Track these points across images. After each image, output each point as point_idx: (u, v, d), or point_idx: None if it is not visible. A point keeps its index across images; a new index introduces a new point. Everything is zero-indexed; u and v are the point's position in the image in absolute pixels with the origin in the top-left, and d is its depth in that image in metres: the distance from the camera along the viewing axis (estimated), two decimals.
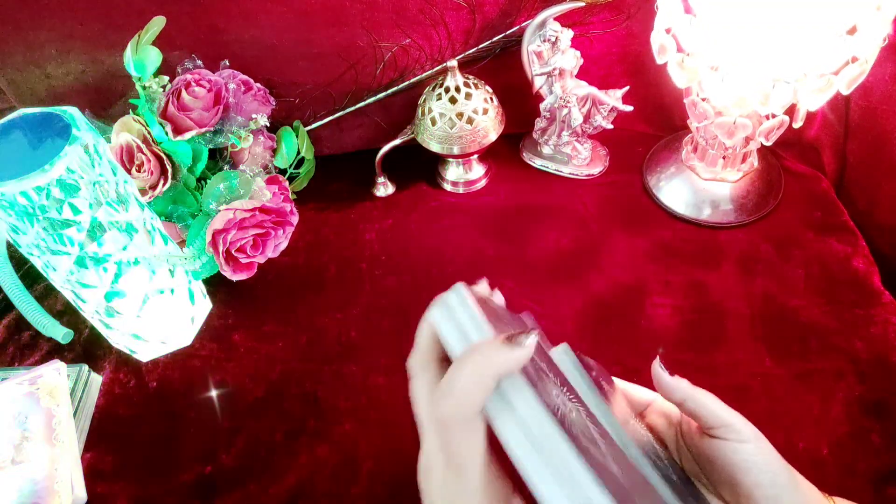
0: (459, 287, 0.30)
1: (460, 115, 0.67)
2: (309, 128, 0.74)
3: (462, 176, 0.75)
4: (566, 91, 0.69)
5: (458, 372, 0.27)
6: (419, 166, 0.77)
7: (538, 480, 0.26)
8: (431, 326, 0.30)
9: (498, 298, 0.37)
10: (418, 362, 0.30)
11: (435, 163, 0.77)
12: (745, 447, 0.36)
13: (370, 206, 0.75)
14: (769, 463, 0.36)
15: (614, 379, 0.44)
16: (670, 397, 0.39)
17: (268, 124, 0.66)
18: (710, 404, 0.37)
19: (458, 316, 0.29)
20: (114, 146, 0.60)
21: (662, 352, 0.38)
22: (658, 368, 0.38)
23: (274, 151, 0.69)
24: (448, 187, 0.76)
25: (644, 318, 0.61)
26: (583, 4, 0.65)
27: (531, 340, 0.27)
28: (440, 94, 0.67)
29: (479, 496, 0.27)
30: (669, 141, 0.75)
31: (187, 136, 0.60)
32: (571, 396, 0.31)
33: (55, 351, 0.63)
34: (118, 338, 0.59)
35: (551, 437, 0.26)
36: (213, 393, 0.59)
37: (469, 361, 0.27)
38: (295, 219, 0.63)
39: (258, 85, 0.67)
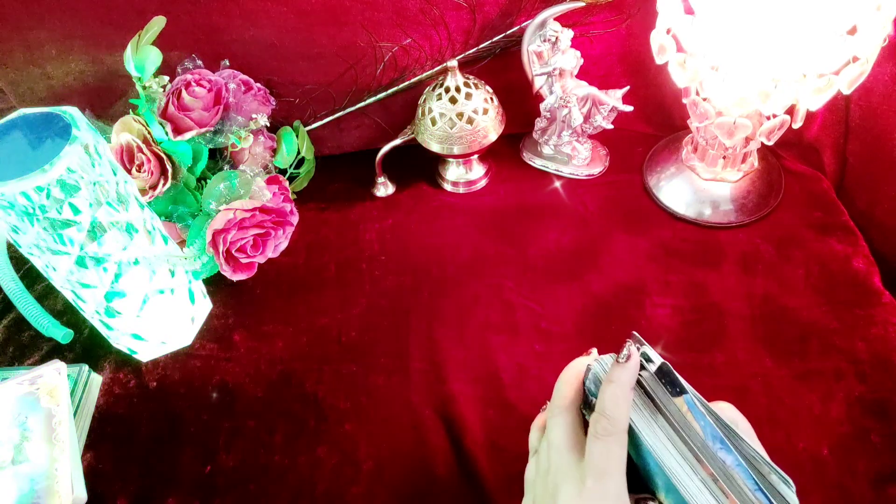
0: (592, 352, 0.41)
1: (460, 115, 0.67)
2: (309, 128, 0.74)
3: (462, 176, 0.75)
4: (566, 91, 0.69)
5: (601, 396, 0.35)
6: (419, 166, 0.77)
7: (684, 478, 0.33)
8: (574, 379, 0.39)
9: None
10: (562, 406, 0.38)
11: (435, 163, 0.77)
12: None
13: (370, 206, 0.75)
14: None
15: None
16: None
17: (268, 124, 0.66)
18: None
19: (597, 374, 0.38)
20: (114, 146, 0.60)
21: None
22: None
23: (274, 151, 0.69)
24: (448, 187, 0.76)
25: (644, 318, 0.61)
26: (583, 4, 0.65)
27: (634, 353, 0.36)
28: (440, 94, 0.67)
29: (623, 498, 0.33)
30: (669, 141, 0.75)
31: (187, 136, 0.60)
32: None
33: (55, 351, 0.63)
34: (118, 338, 0.59)
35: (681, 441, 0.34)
36: (213, 393, 0.59)
37: (605, 386, 0.35)
38: (295, 219, 0.63)
39: (258, 85, 0.67)
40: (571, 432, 0.37)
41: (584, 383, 0.39)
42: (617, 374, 0.35)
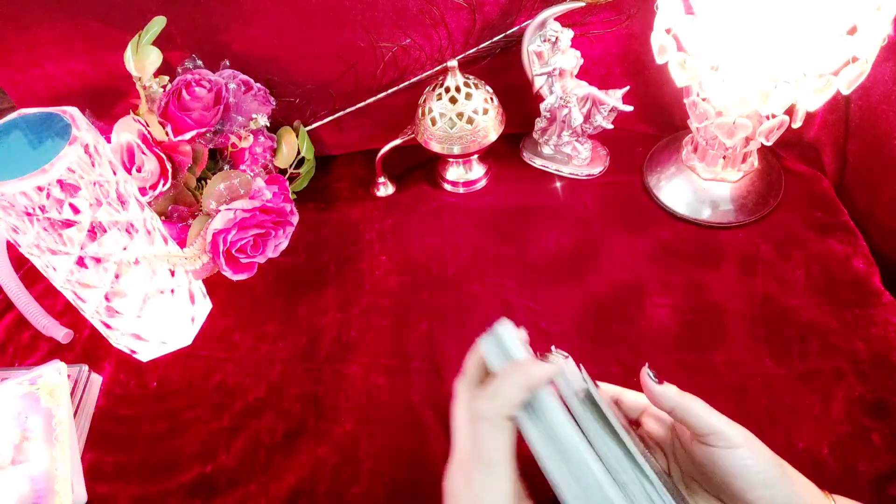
0: (505, 321, 0.37)
1: (460, 115, 0.67)
2: (309, 128, 0.74)
3: (462, 176, 0.75)
4: (566, 91, 0.69)
5: (502, 379, 0.33)
6: (419, 166, 0.77)
7: (559, 479, 0.32)
8: (480, 353, 0.36)
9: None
10: (465, 383, 0.36)
11: (435, 163, 0.77)
12: (735, 453, 0.36)
13: (370, 206, 0.75)
14: (760, 465, 0.36)
15: (607, 385, 0.45)
16: (660, 406, 0.39)
17: (268, 124, 0.66)
18: (698, 412, 0.37)
19: (503, 342, 0.36)
20: (114, 146, 0.60)
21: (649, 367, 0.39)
22: (646, 377, 0.39)
23: (274, 151, 0.69)
24: (448, 187, 0.76)
25: (644, 318, 0.61)
26: (583, 4, 0.65)
27: (559, 359, 0.34)
28: (440, 94, 0.67)
29: (503, 487, 0.32)
30: (669, 141, 0.75)
31: (187, 136, 0.60)
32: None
33: (55, 351, 0.63)
34: (118, 338, 0.59)
35: (574, 444, 0.33)
36: (213, 393, 0.59)
37: (511, 371, 0.33)
38: (295, 219, 0.63)
39: (258, 85, 0.67)
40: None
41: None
42: (529, 366, 0.34)
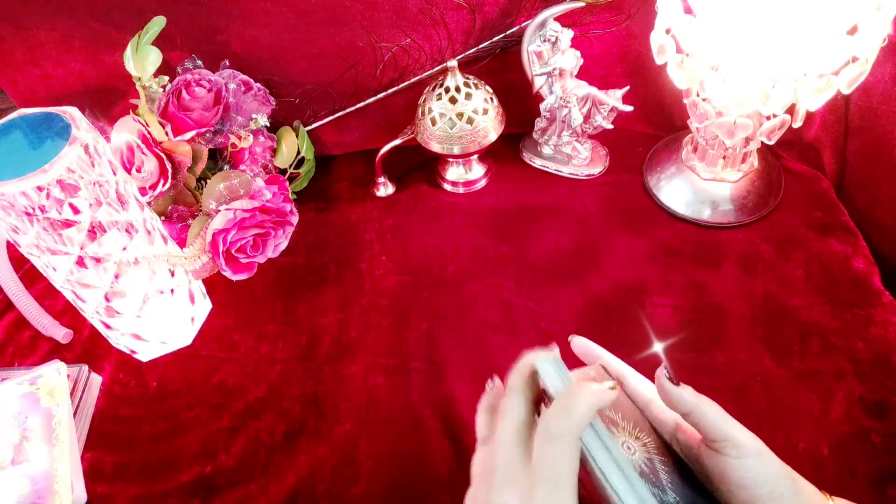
0: (554, 348, 0.38)
1: (460, 115, 0.67)
2: (309, 128, 0.74)
3: (462, 176, 0.75)
4: (566, 91, 0.69)
5: (574, 398, 0.33)
6: (419, 166, 0.77)
7: (624, 492, 0.33)
8: (533, 370, 0.36)
9: None
10: (518, 399, 0.36)
11: (435, 163, 0.77)
12: (744, 463, 0.35)
13: (370, 206, 0.75)
14: (768, 476, 0.35)
15: (614, 359, 0.44)
16: (675, 408, 0.37)
17: (268, 124, 0.66)
18: (714, 417, 0.36)
19: (559, 362, 0.36)
20: (114, 146, 0.60)
21: (667, 366, 0.38)
22: (663, 379, 0.37)
23: (274, 151, 0.69)
24: (448, 187, 0.76)
25: (644, 318, 0.61)
26: (583, 4, 0.65)
27: (616, 385, 0.34)
28: (440, 94, 0.67)
29: None
30: (669, 141, 0.75)
31: (187, 136, 0.60)
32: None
33: (55, 351, 0.63)
34: (118, 338, 0.59)
35: (627, 463, 0.34)
36: (213, 393, 0.59)
37: (584, 391, 0.33)
38: (295, 219, 0.63)
39: (258, 85, 0.67)
40: (522, 426, 0.34)
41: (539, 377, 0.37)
42: (596, 388, 0.33)
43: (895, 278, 0.62)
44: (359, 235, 0.72)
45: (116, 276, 0.52)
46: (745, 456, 0.35)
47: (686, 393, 0.37)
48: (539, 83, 0.70)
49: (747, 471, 0.35)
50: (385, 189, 0.76)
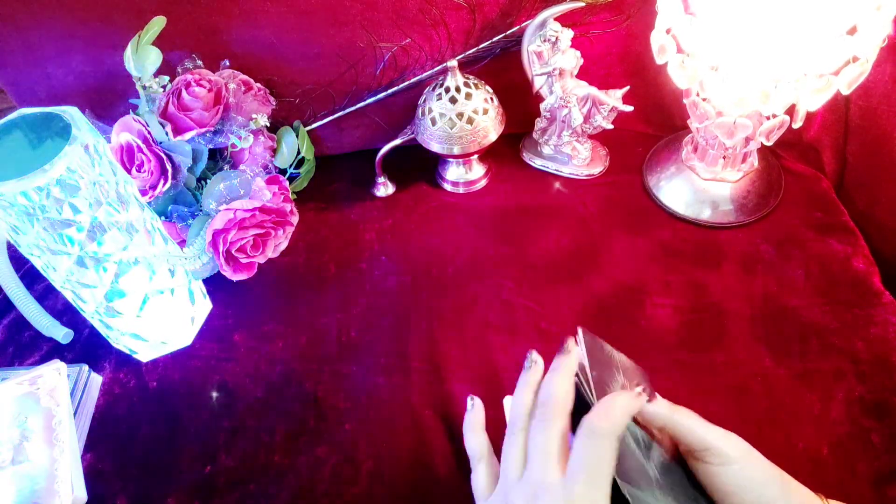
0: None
1: (460, 115, 0.67)
2: (309, 128, 0.74)
3: (462, 176, 0.75)
4: (566, 91, 0.69)
5: (615, 401, 0.35)
6: (419, 166, 0.77)
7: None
8: (570, 384, 0.37)
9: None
10: (562, 410, 0.37)
11: (435, 163, 0.77)
12: (728, 470, 0.35)
13: (370, 206, 0.75)
14: (753, 483, 0.35)
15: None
16: (651, 423, 0.37)
17: (268, 124, 0.66)
18: (692, 428, 0.36)
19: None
20: (114, 146, 0.60)
21: (640, 383, 0.39)
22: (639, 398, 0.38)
23: (274, 151, 0.69)
24: (448, 187, 0.76)
25: (644, 318, 0.61)
26: (583, 4, 0.65)
27: (644, 391, 0.36)
28: (440, 94, 0.67)
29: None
30: (669, 141, 0.75)
31: (187, 136, 0.60)
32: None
33: (55, 351, 0.63)
34: (118, 338, 0.59)
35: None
36: (213, 393, 0.59)
37: (622, 396, 0.35)
38: (295, 219, 0.63)
39: (258, 85, 0.67)
40: (563, 442, 0.35)
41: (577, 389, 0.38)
42: (634, 395, 0.35)
43: (895, 278, 0.62)
44: (359, 235, 0.72)
45: (116, 276, 0.52)
46: (728, 463, 0.35)
47: (660, 408, 0.37)
48: (539, 83, 0.70)
49: (730, 478, 0.35)
50: (385, 189, 0.76)
